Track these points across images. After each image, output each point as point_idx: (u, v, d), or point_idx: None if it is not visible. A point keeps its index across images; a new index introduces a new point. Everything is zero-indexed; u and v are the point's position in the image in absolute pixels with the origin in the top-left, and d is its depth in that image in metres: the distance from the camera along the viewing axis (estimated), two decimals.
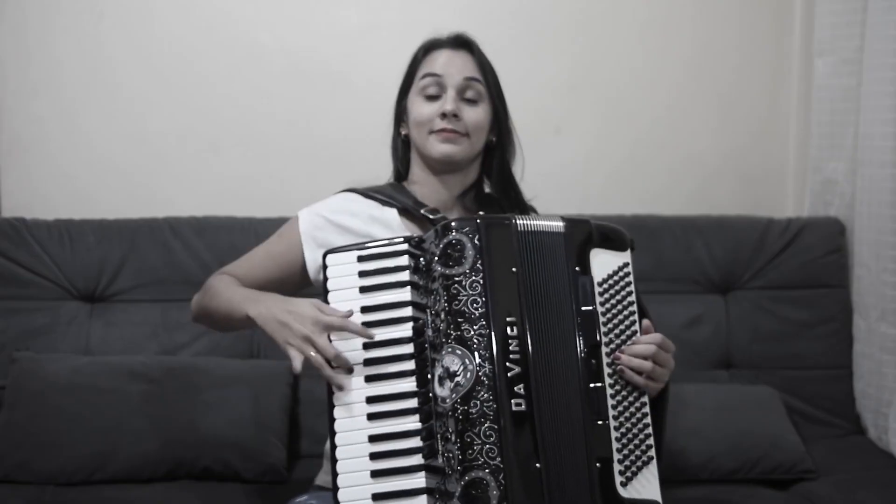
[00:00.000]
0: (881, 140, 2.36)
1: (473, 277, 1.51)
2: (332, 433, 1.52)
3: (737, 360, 2.48)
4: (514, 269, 1.53)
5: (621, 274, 1.59)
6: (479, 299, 1.50)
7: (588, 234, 1.59)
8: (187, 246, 2.40)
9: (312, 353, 1.51)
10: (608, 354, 1.55)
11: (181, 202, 2.52)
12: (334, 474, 1.50)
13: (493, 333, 1.49)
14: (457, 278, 1.51)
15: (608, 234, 1.61)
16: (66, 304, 2.36)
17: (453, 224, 1.55)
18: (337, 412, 1.52)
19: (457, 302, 1.50)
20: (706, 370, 2.44)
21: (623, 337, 1.57)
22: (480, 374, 1.47)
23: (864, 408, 2.48)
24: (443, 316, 1.51)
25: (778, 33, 2.72)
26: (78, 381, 2.17)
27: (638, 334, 1.58)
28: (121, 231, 2.41)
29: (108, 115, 2.57)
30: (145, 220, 2.43)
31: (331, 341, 1.53)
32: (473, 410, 1.46)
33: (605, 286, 1.57)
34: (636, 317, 1.59)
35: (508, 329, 1.50)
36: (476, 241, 1.53)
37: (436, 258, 1.53)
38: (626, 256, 1.61)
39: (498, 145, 1.81)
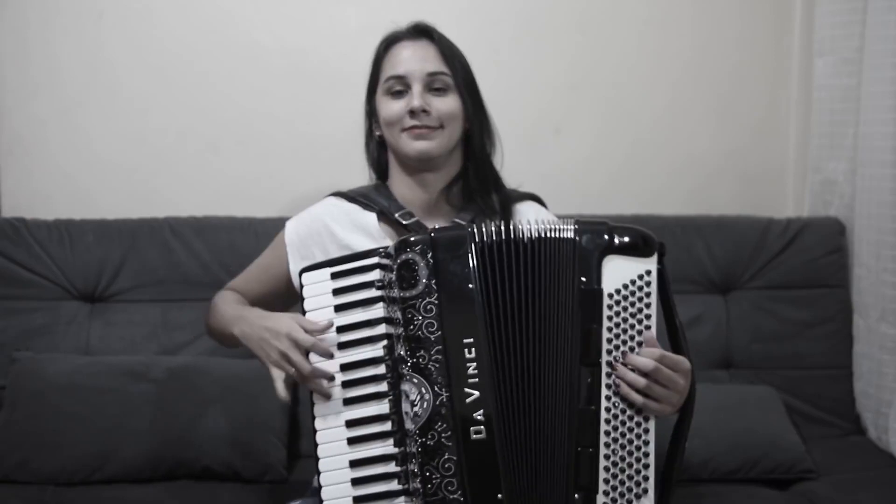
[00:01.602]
0: (881, 140, 2.36)
1: (428, 299, 1.45)
2: (317, 458, 1.50)
3: (737, 360, 2.48)
4: (470, 286, 1.45)
5: (640, 284, 1.47)
6: (434, 322, 1.44)
7: (603, 239, 1.48)
8: (187, 246, 2.40)
9: (290, 370, 1.50)
10: (608, 375, 1.45)
11: (181, 202, 2.52)
12: (320, 500, 1.49)
13: (447, 359, 1.43)
14: (411, 301, 1.45)
15: (629, 239, 1.48)
16: (66, 304, 2.36)
17: (410, 240, 1.48)
18: (319, 437, 1.51)
19: (412, 327, 1.45)
20: (706, 370, 2.43)
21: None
22: (437, 402, 1.42)
23: (864, 408, 2.47)
24: (402, 341, 1.46)
25: (778, 33, 2.72)
26: (78, 381, 2.17)
27: None
28: (121, 231, 2.41)
29: (108, 115, 2.57)
30: (145, 220, 2.43)
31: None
32: (431, 442, 1.42)
33: (618, 298, 1.46)
34: (652, 332, 1.47)
35: (466, 351, 1.43)
36: (429, 259, 1.46)
37: (393, 280, 1.48)
38: (649, 263, 1.48)
39: (473, 132, 1.74)
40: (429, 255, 1.46)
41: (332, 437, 1.50)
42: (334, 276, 1.53)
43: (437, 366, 1.43)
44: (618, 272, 1.47)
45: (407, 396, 1.45)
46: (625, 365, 1.46)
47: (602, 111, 2.69)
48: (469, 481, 1.40)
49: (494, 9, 2.62)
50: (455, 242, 1.48)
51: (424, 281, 1.45)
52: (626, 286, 1.47)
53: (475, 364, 1.43)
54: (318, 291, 1.54)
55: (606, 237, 1.48)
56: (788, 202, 2.76)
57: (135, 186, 2.58)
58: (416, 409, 1.43)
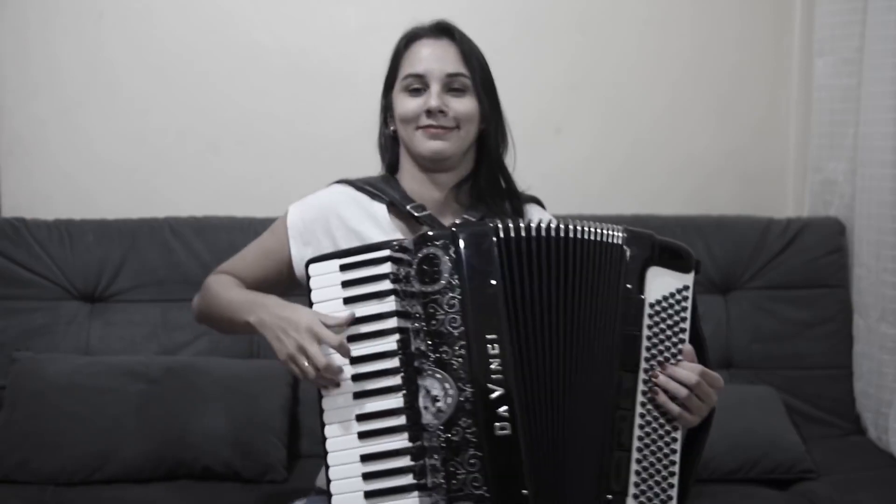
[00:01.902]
0: (881, 140, 2.36)
1: (450, 294, 1.43)
2: (325, 452, 1.48)
3: (737, 360, 2.48)
4: (493, 282, 1.44)
5: (678, 297, 1.49)
6: (457, 318, 1.42)
7: (648, 249, 1.49)
8: (187, 246, 2.40)
9: (304, 364, 1.47)
10: (645, 382, 1.46)
11: (181, 202, 2.52)
12: (329, 495, 1.47)
13: (471, 354, 1.42)
14: (433, 296, 1.43)
15: (671, 253, 1.51)
16: (66, 304, 2.36)
17: (430, 234, 1.46)
18: (328, 431, 1.48)
19: (434, 322, 1.43)
20: None
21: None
22: (461, 398, 1.41)
23: (864, 408, 2.48)
24: (422, 336, 1.44)
25: (778, 33, 2.72)
26: (78, 381, 2.18)
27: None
28: (121, 231, 2.41)
29: (108, 115, 2.57)
30: (145, 220, 2.44)
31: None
32: (455, 438, 1.40)
33: (658, 308, 1.47)
34: (684, 346, 1.48)
35: (490, 347, 1.42)
36: (452, 254, 1.44)
37: (413, 273, 1.46)
38: (687, 279, 1.50)
39: (489, 134, 1.72)
40: (451, 251, 1.45)
41: (341, 431, 1.48)
42: (343, 267, 1.51)
43: (461, 361, 1.42)
44: (660, 284, 1.48)
45: (428, 392, 1.43)
46: (667, 375, 1.46)
47: (602, 111, 2.69)
48: (494, 477, 1.40)
49: (494, 9, 2.63)
50: (479, 238, 1.46)
51: (447, 276, 1.44)
52: (665, 298, 1.48)
53: (499, 360, 1.42)
54: (326, 283, 1.51)
55: (652, 248, 1.50)
56: (788, 202, 2.76)
57: (135, 186, 2.58)
58: (439, 404, 1.42)
